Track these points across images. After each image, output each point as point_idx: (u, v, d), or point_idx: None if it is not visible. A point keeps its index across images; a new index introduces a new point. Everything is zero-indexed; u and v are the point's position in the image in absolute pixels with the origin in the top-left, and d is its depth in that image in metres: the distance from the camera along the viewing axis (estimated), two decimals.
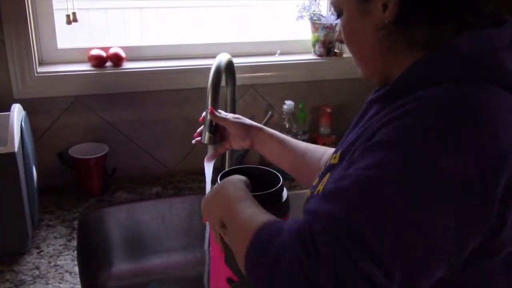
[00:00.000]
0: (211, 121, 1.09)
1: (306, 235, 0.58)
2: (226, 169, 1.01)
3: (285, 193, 0.94)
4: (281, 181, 0.93)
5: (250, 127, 1.10)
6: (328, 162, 0.83)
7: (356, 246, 0.55)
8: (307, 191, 0.87)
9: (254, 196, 0.81)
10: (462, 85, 0.63)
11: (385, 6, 0.68)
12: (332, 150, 1.03)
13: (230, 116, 1.11)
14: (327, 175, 0.77)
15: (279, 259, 0.58)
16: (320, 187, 0.77)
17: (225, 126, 1.10)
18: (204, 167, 1.15)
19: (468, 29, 0.67)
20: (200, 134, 1.13)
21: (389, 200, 0.56)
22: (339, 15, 0.75)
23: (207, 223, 0.98)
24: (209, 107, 1.10)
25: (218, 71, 1.16)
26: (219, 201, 0.80)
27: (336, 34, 0.82)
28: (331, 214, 0.58)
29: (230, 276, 0.91)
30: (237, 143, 1.12)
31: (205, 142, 1.11)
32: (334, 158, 0.78)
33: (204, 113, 1.10)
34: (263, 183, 0.92)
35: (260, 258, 0.61)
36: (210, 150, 1.15)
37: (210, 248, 0.97)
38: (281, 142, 1.09)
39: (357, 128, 0.78)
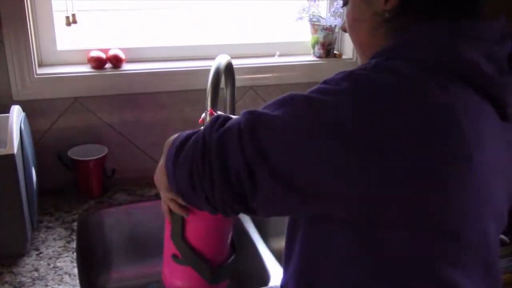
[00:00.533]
0: None
1: (220, 120, 0.72)
2: None
3: None
4: None
5: None
6: None
7: (248, 134, 0.65)
8: None
9: None
10: (387, 61, 0.66)
11: None
12: None
13: None
14: None
15: (189, 137, 0.74)
16: None
17: None
18: None
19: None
20: None
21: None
22: (344, 4, 0.78)
23: None
24: (209, 108, 1.11)
25: (217, 72, 1.16)
26: (161, 165, 0.85)
27: (341, 23, 0.85)
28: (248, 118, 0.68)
29: (175, 253, 0.96)
30: None
31: None
32: None
33: (203, 115, 1.11)
34: None
35: (176, 140, 0.77)
36: None
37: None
38: None
39: None
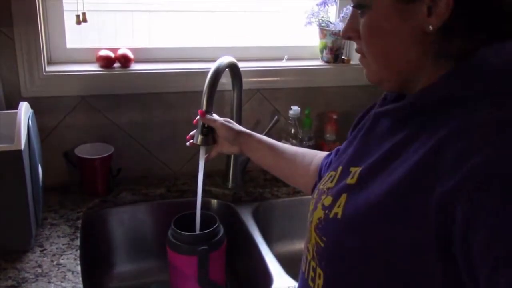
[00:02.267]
0: (203, 123, 1.12)
1: None
2: (179, 215, 1.26)
3: (220, 230, 1.24)
4: (217, 223, 1.23)
5: (239, 133, 1.11)
6: (334, 175, 0.77)
7: None
8: (309, 198, 0.85)
9: (198, 235, 1.19)
10: (506, 101, 0.58)
11: (429, 10, 0.61)
12: (322, 153, 1.03)
13: (220, 119, 1.13)
14: (344, 196, 0.70)
15: None
16: (337, 210, 0.69)
17: (214, 127, 1.12)
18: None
19: (496, 39, 0.62)
20: (192, 137, 1.15)
21: None
22: (362, 8, 0.66)
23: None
24: (203, 108, 1.13)
25: (216, 73, 1.17)
26: None
27: (342, 32, 0.73)
28: None
29: None
30: (226, 148, 1.14)
31: (198, 143, 1.14)
32: (352, 177, 0.70)
33: (198, 116, 1.13)
34: (207, 223, 1.22)
35: None
36: (202, 153, 1.17)
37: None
38: (270, 147, 1.10)
39: (371, 144, 0.72)
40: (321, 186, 0.80)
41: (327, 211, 0.71)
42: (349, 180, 0.70)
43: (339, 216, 0.68)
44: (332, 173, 0.79)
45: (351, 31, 0.70)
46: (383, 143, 0.69)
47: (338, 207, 0.69)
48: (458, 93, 0.61)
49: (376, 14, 0.65)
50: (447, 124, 0.59)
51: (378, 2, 0.64)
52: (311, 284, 0.74)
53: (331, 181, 0.76)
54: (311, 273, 0.74)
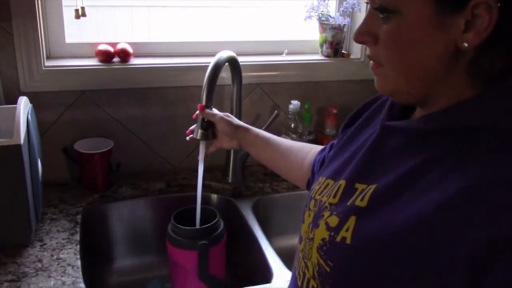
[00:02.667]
0: (203, 118, 1.13)
1: None
2: (178, 210, 1.26)
3: (220, 225, 1.24)
4: (217, 217, 1.24)
5: (237, 127, 1.11)
6: (334, 187, 0.72)
7: None
8: (307, 193, 0.83)
9: (198, 229, 1.20)
10: None
11: (468, 24, 0.55)
12: (317, 148, 1.01)
13: (220, 113, 1.12)
14: (352, 219, 0.65)
15: None
16: (346, 234, 0.64)
17: (213, 121, 1.12)
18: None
19: None
20: (192, 131, 1.15)
21: None
22: (388, 12, 0.59)
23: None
24: (203, 102, 1.12)
25: (216, 67, 1.17)
26: None
27: (357, 31, 0.64)
28: None
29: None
30: (226, 143, 1.14)
31: (197, 138, 1.14)
32: (362, 199, 0.65)
33: (198, 111, 1.13)
34: (207, 218, 1.23)
35: None
36: (202, 147, 1.17)
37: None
38: (267, 142, 1.09)
39: (380, 161, 0.67)
40: (317, 195, 0.75)
41: (333, 233, 0.66)
42: (359, 202, 0.65)
43: (348, 241, 0.64)
44: (330, 181, 0.75)
45: (367, 36, 0.63)
46: (395, 162, 0.64)
47: (347, 231, 0.64)
48: (491, 118, 0.57)
49: (407, 22, 0.58)
50: (480, 157, 0.55)
51: (412, 9, 0.57)
52: None
53: (333, 196, 0.71)
54: None
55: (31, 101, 1.25)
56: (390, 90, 0.65)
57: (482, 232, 0.51)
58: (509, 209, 0.50)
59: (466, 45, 0.56)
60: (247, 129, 1.11)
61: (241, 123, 1.13)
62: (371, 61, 0.66)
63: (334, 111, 1.63)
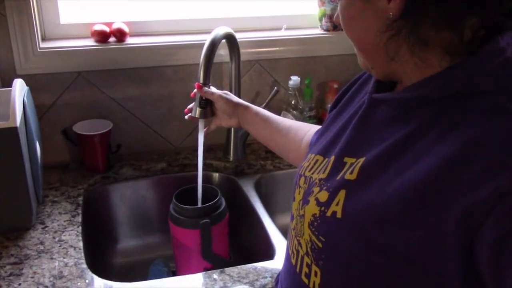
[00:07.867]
0: (201, 96, 1.11)
1: None
2: (180, 189, 1.26)
3: (222, 203, 1.24)
4: (219, 195, 1.23)
5: (236, 105, 1.09)
6: (324, 162, 0.72)
7: None
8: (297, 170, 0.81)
9: (200, 208, 1.19)
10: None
11: None
12: (316, 128, 0.99)
13: (218, 91, 1.11)
14: (342, 193, 0.65)
15: None
16: (336, 208, 0.65)
17: (212, 100, 1.10)
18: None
19: (499, 30, 0.57)
20: (191, 110, 1.14)
21: None
22: None
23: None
24: (200, 81, 1.11)
25: (212, 44, 1.15)
26: None
27: (334, 16, 0.70)
28: None
29: (206, 266, 1.20)
30: (225, 121, 1.12)
31: (196, 116, 1.13)
32: (351, 172, 0.65)
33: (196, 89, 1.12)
34: (208, 197, 1.23)
35: None
36: (201, 126, 1.16)
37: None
38: (266, 120, 1.08)
39: (368, 134, 0.67)
40: (307, 172, 0.75)
41: (323, 208, 0.66)
42: (348, 176, 0.65)
43: (338, 215, 0.64)
44: (319, 157, 0.74)
45: (337, 18, 0.69)
46: (383, 134, 0.65)
47: (337, 205, 0.65)
48: (472, 86, 0.57)
49: (345, 1, 0.64)
50: (465, 123, 0.55)
51: None
52: (305, 280, 0.70)
53: (323, 171, 0.71)
54: (305, 269, 0.71)
55: (28, 84, 1.23)
56: (362, 66, 0.70)
57: (470, 195, 0.52)
58: (495, 172, 0.51)
59: (391, 14, 0.58)
60: (246, 107, 1.09)
61: (240, 100, 1.11)
62: None
63: (335, 85, 1.61)
